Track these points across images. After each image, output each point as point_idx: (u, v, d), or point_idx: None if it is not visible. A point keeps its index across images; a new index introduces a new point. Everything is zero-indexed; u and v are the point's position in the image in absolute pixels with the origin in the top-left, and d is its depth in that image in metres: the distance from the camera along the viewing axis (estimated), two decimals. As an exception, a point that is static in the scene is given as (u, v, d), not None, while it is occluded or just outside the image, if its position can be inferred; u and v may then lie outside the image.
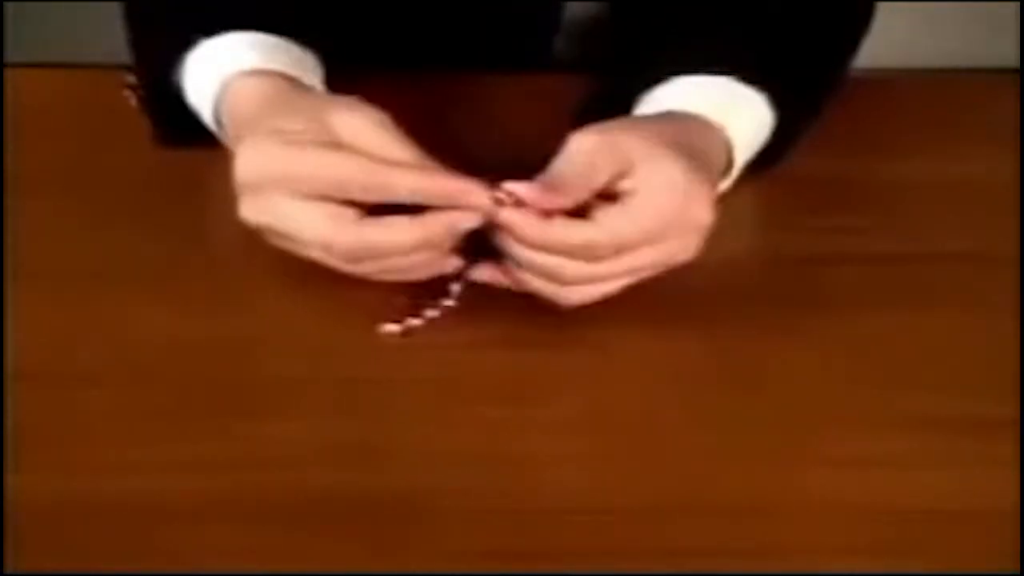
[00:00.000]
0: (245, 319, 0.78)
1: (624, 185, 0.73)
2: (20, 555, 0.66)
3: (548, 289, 0.75)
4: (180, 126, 0.83)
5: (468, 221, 0.72)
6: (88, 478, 0.70)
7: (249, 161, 0.73)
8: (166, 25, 0.84)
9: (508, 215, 0.72)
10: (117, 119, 0.87)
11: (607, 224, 0.72)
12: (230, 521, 0.69)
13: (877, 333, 0.78)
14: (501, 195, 0.72)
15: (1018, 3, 1.06)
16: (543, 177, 0.73)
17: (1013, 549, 0.69)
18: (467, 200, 0.72)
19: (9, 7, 1.04)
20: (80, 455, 0.71)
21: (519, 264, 0.74)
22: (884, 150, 0.89)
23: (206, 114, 0.81)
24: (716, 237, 0.75)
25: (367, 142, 0.72)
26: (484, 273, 0.77)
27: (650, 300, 0.75)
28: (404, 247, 0.73)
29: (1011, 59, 1.00)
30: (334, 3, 0.86)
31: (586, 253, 0.72)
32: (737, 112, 0.80)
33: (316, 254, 0.74)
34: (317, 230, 0.72)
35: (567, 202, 0.72)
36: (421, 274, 0.76)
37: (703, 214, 0.74)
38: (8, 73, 0.89)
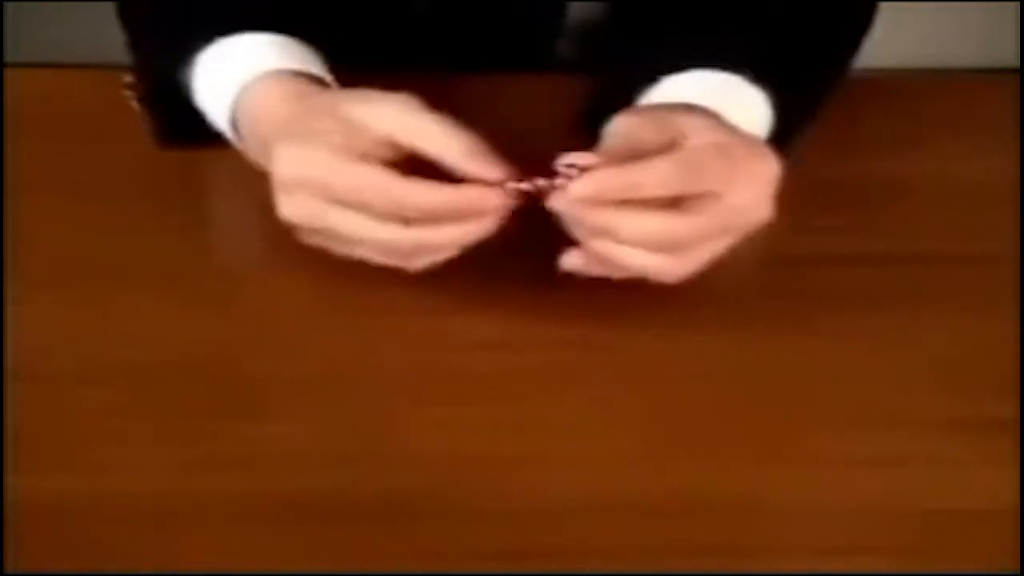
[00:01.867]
0: (245, 319, 0.78)
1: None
2: (20, 555, 0.66)
3: (654, 263, 0.73)
4: (182, 126, 0.83)
5: (510, 198, 0.71)
6: (88, 478, 0.70)
7: (288, 162, 0.73)
8: (171, 26, 0.83)
9: (583, 182, 0.70)
10: (117, 119, 0.86)
11: (682, 161, 0.71)
12: (229, 521, 0.69)
13: (877, 333, 0.78)
14: (567, 171, 0.70)
15: (1018, 3, 1.06)
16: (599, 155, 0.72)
17: (1013, 549, 0.69)
18: (485, 207, 0.71)
19: (9, 7, 1.04)
20: (80, 455, 0.71)
21: (623, 241, 0.72)
22: (884, 150, 0.89)
23: (218, 114, 0.81)
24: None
25: (399, 131, 0.72)
26: (575, 261, 0.74)
27: (650, 300, 0.75)
28: (454, 243, 0.73)
29: (1011, 59, 1.01)
30: (336, 3, 0.86)
31: (674, 186, 0.71)
32: (736, 108, 0.79)
33: (363, 252, 0.74)
34: (369, 233, 0.72)
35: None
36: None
37: (767, 163, 0.74)
38: (8, 73, 0.89)
